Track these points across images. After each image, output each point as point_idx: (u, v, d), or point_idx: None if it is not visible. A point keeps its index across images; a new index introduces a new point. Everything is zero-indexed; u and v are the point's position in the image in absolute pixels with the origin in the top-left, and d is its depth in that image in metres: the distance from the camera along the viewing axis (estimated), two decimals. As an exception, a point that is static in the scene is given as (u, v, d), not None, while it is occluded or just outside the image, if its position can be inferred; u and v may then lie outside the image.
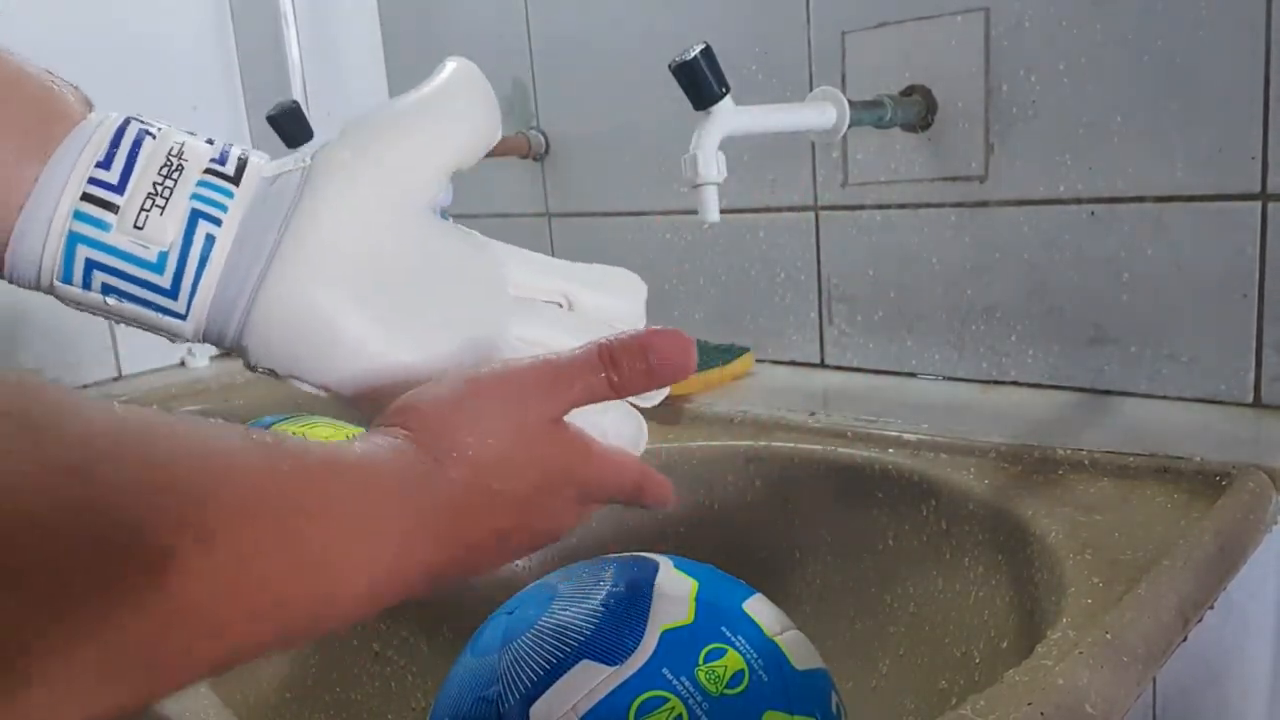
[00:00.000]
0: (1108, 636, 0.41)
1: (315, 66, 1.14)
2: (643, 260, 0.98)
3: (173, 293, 0.31)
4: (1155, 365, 0.69)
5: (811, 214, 0.85)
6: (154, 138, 0.32)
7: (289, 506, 0.26)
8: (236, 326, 0.32)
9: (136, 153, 0.31)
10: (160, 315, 0.32)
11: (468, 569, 0.34)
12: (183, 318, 0.32)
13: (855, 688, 0.62)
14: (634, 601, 0.44)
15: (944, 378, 0.80)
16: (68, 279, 0.31)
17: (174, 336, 0.33)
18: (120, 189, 0.30)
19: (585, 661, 0.42)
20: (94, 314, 0.32)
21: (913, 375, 0.82)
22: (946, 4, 0.73)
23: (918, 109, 0.75)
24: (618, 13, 0.95)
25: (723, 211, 0.62)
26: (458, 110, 0.36)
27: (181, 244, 0.31)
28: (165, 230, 0.31)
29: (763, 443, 0.70)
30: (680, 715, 0.40)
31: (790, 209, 0.87)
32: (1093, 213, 0.70)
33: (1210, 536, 0.49)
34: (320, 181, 0.33)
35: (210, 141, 0.34)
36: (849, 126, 0.68)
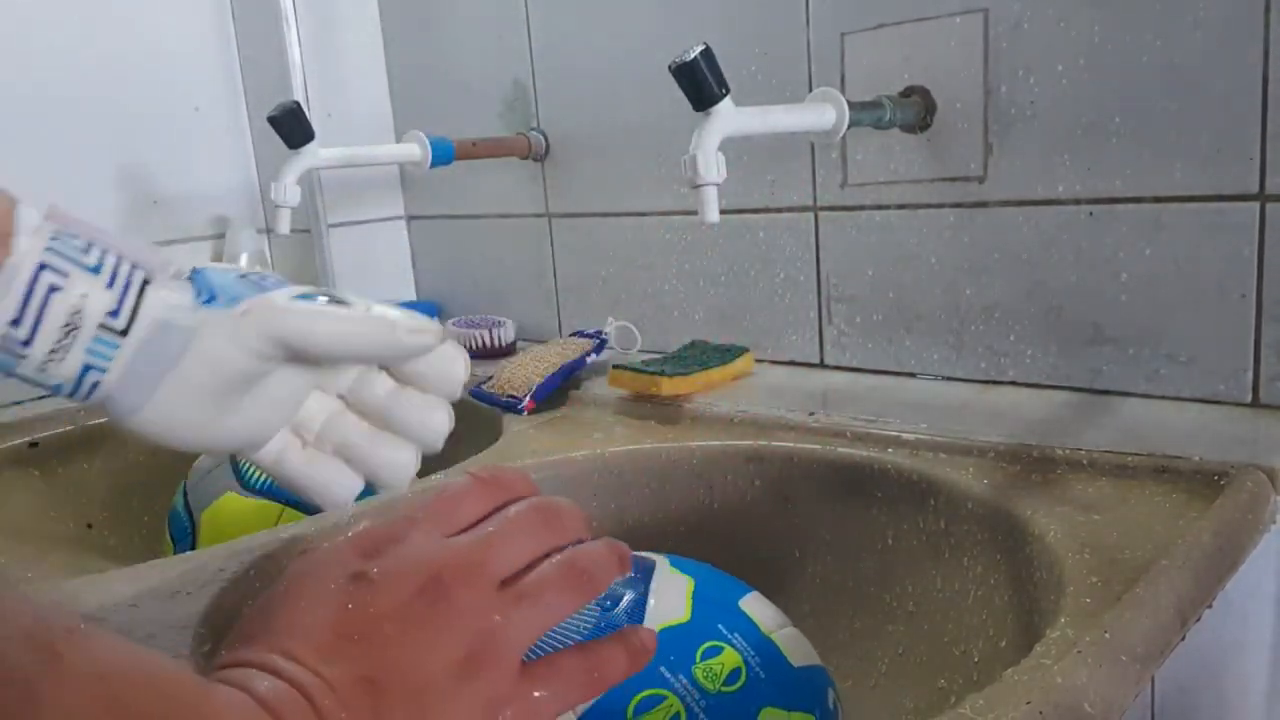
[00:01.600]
0: (1106, 636, 0.41)
1: (315, 67, 1.14)
2: (643, 260, 0.98)
3: (74, 398, 0.40)
4: (1154, 365, 0.69)
5: (811, 214, 0.86)
6: (61, 290, 0.38)
7: None
8: (116, 420, 0.42)
9: (44, 313, 0.38)
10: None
11: None
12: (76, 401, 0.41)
13: (854, 686, 0.62)
14: (631, 600, 0.44)
15: (943, 378, 0.80)
16: None
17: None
18: (29, 344, 0.38)
19: (584, 660, 0.42)
20: None
21: (912, 375, 0.82)
22: (945, 5, 0.74)
23: (917, 110, 0.75)
24: (618, 13, 0.95)
25: (723, 212, 0.62)
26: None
27: (74, 383, 0.40)
28: (62, 372, 0.39)
29: (762, 443, 0.70)
30: (678, 713, 0.41)
31: (790, 209, 0.87)
32: (1091, 213, 0.70)
33: (1209, 536, 0.49)
34: (193, 363, 0.41)
35: (113, 279, 0.40)
36: (848, 127, 0.69)
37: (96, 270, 0.40)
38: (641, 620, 0.43)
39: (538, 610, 0.38)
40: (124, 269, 0.40)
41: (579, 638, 0.42)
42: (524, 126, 1.06)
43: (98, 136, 1.06)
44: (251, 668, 0.34)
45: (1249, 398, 0.66)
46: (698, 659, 0.42)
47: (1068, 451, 0.60)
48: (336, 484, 0.45)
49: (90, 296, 0.39)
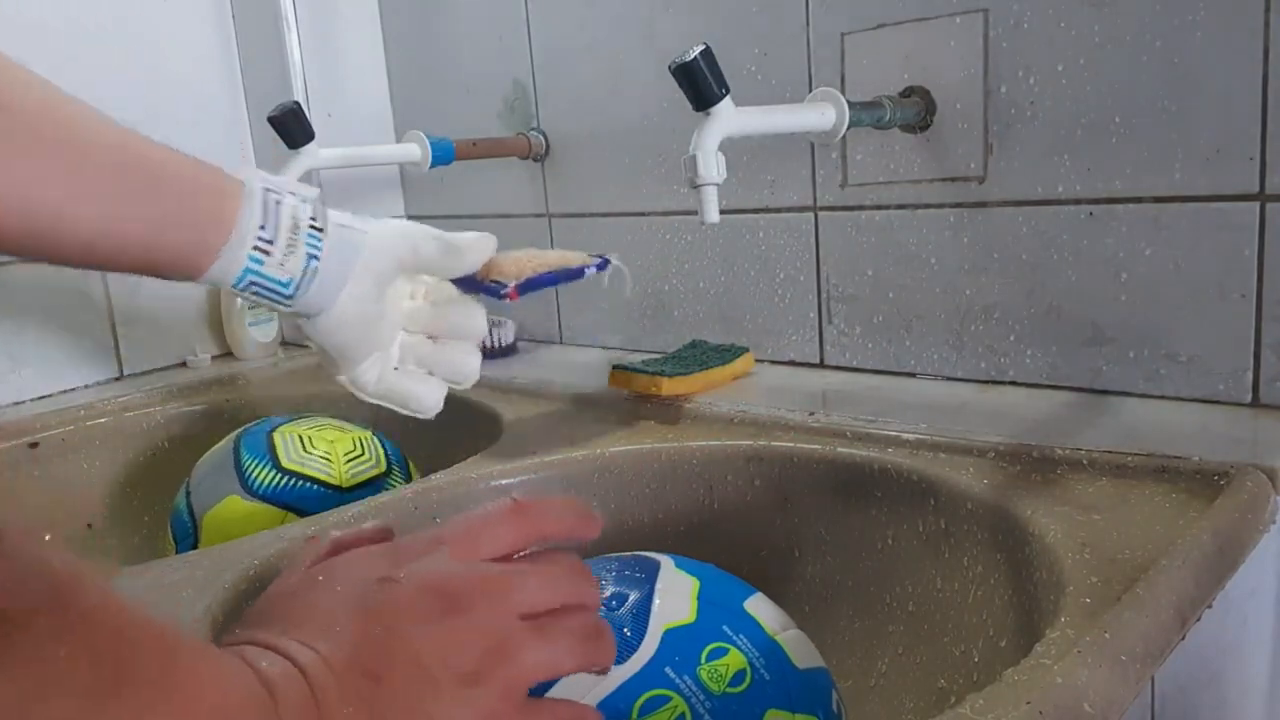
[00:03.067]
0: (1106, 636, 0.41)
1: (315, 67, 1.14)
2: (643, 260, 0.99)
3: (291, 297, 0.54)
4: (1153, 365, 0.70)
5: (811, 214, 0.86)
6: (282, 203, 0.53)
7: None
8: (316, 315, 0.56)
9: (278, 218, 0.53)
10: (276, 303, 0.54)
11: None
12: (289, 305, 0.54)
13: (854, 686, 0.62)
14: (636, 600, 0.45)
15: (943, 377, 0.80)
16: (236, 285, 0.53)
17: (280, 312, 0.56)
18: (274, 241, 0.53)
19: (587, 660, 0.42)
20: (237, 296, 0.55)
21: (912, 375, 0.82)
22: (945, 5, 0.74)
23: (917, 110, 0.75)
24: (618, 13, 0.95)
25: (722, 212, 0.62)
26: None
27: (301, 273, 0.53)
28: (295, 264, 0.53)
29: (762, 442, 0.70)
30: (683, 714, 0.41)
31: (789, 209, 0.87)
32: (1091, 213, 0.70)
33: (1209, 536, 0.49)
34: (369, 255, 0.56)
35: (305, 199, 0.55)
36: (848, 127, 0.69)
37: (295, 194, 0.55)
38: (646, 620, 0.43)
39: (553, 651, 0.38)
40: (307, 193, 0.56)
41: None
42: (524, 126, 1.06)
43: (97, 136, 1.06)
44: (258, 645, 0.34)
45: (1249, 398, 0.66)
46: (703, 660, 0.42)
47: (1068, 451, 0.60)
48: (427, 391, 0.60)
49: (299, 208, 0.54)
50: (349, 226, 0.56)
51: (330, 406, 1.00)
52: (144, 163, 0.51)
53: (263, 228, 0.52)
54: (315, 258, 0.54)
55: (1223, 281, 0.66)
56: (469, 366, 0.62)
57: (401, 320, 0.61)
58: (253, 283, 0.53)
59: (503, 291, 0.77)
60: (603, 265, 0.85)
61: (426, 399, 0.60)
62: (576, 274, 0.83)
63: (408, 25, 1.18)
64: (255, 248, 0.52)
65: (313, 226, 0.54)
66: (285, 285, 0.53)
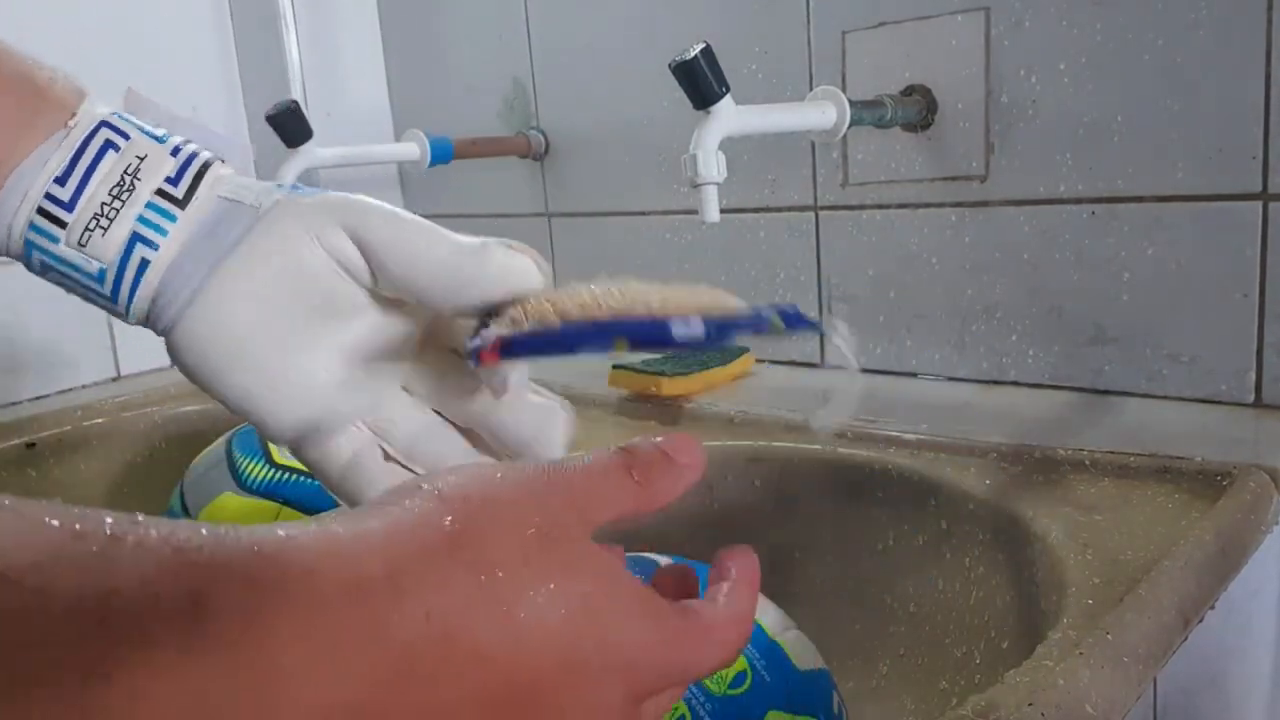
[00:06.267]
0: (1108, 637, 0.41)
1: (315, 66, 1.14)
2: (643, 260, 0.98)
3: (113, 299, 0.35)
4: (1156, 365, 0.69)
5: (811, 214, 0.85)
6: (117, 151, 0.35)
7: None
8: (165, 329, 0.35)
9: (94, 168, 0.34)
10: (98, 304, 0.36)
11: None
12: (124, 316, 0.36)
13: (855, 688, 0.62)
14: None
15: (944, 378, 0.80)
16: (28, 267, 0.35)
17: (113, 315, 0.36)
18: (70, 207, 0.34)
19: (586, 662, 0.41)
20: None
21: (913, 375, 0.82)
22: (946, 4, 0.73)
23: (918, 109, 0.75)
24: (618, 13, 0.95)
25: (723, 211, 0.62)
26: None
27: (118, 264, 0.34)
28: (106, 250, 0.34)
29: (763, 443, 0.70)
30: (684, 715, 0.40)
31: (790, 209, 0.87)
32: (1093, 212, 0.70)
33: (1211, 536, 0.49)
34: (259, 241, 0.35)
35: (177, 150, 0.36)
36: (849, 126, 0.68)
37: (162, 141, 0.36)
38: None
39: None
40: (193, 148, 0.37)
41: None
42: (524, 126, 1.06)
43: (96, 136, 1.06)
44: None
45: (1251, 398, 0.66)
46: (700, 661, 0.42)
47: (1069, 452, 0.60)
48: None
49: (150, 158, 0.35)
50: (240, 201, 0.36)
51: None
52: None
53: (60, 180, 0.34)
54: (145, 241, 0.34)
55: (1225, 281, 0.65)
56: None
57: (394, 374, 0.38)
58: (44, 264, 0.35)
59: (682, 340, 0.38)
60: (797, 320, 0.40)
61: None
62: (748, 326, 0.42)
63: (407, 25, 1.18)
64: (42, 210, 0.34)
65: (164, 195, 0.35)
66: (95, 278, 0.35)
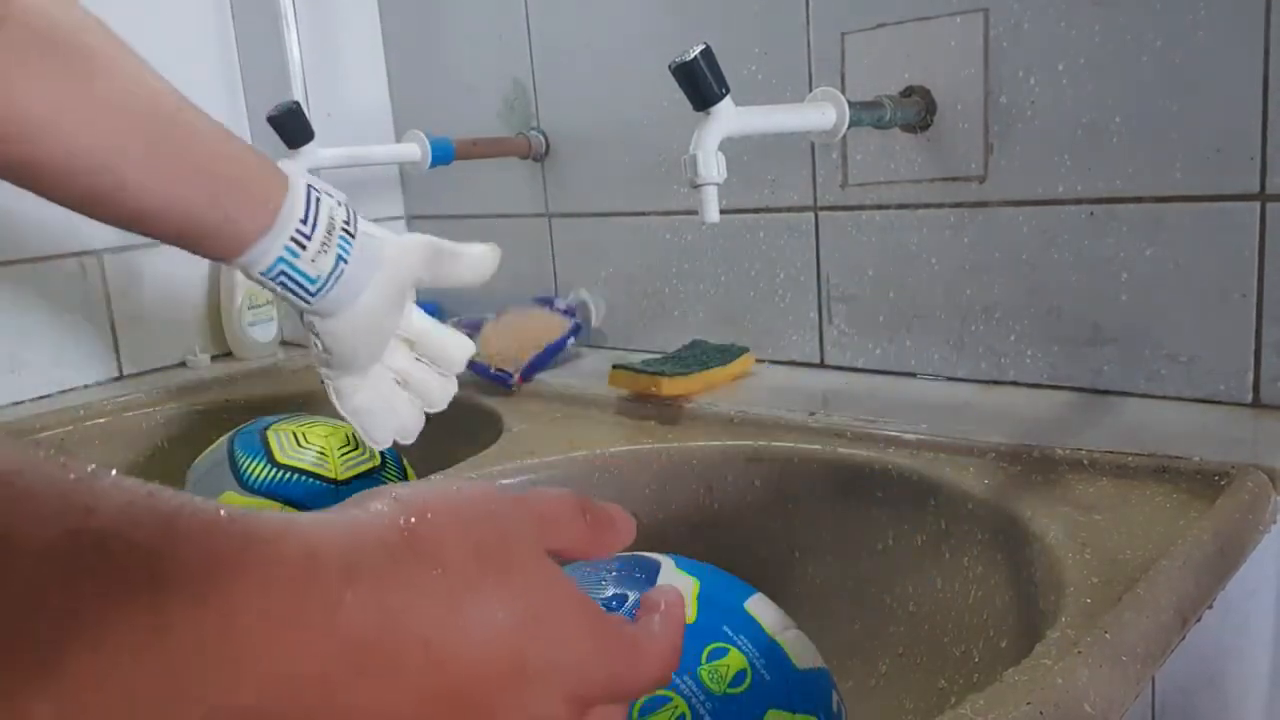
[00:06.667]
0: (1107, 636, 0.41)
1: (315, 66, 1.14)
2: (643, 260, 0.98)
3: (315, 294, 0.57)
4: (1154, 365, 0.70)
5: (811, 214, 0.86)
6: (319, 203, 0.57)
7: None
8: (330, 316, 0.59)
9: (317, 215, 0.56)
10: (298, 298, 0.57)
11: None
12: (310, 303, 0.58)
13: (855, 687, 0.62)
14: (636, 601, 0.44)
15: (943, 378, 0.80)
16: (266, 273, 0.56)
17: (298, 308, 0.59)
18: (310, 237, 0.56)
19: (587, 661, 0.42)
20: (262, 288, 0.58)
21: (912, 375, 0.82)
22: (946, 5, 0.74)
23: (917, 109, 0.75)
24: (618, 13, 0.95)
25: (723, 211, 0.62)
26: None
27: (329, 273, 0.57)
28: (325, 263, 0.57)
29: (763, 443, 0.70)
30: (683, 714, 0.41)
31: (790, 209, 0.87)
32: (1092, 213, 0.70)
33: (1209, 536, 0.49)
34: (389, 268, 0.61)
35: (339, 202, 0.59)
36: (849, 127, 0.69)
37: (331, 195, 0.58)
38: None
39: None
40: (342, 197, 0.59)
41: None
42: (524, 126, 1.06)
43: (97, 136, 1.06)
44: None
45: (1249, 398, 0.66)
46: (703, 660, 0.42)
47: (1068, 452, 0.60)
48: (402, 419, 0.66)
49: (336, 209, 0.58)
50: (372, 236, 0.59)
51: (328, 406, 1.00)
52: (207, 141, 0.53)
53: (303, 221, 0.55)
54: (344, 260, 0.57)
55: (1223, 281, 0.66)
56: (445, 393, 0.67)
57: (399, 334, 0.64)
58: (282, 273, 0.56)
59: (510, 381, 0.91)
60: (576, 331, 0.98)
61: (401, 425, 0.66)
62: (560, 345, 0.95)
63: (407, 25, 1.18)
64: (293, 239, 0.55)
65: (345, 230, 0.57)
66: (312, 282, 0.56)
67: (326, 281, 0.56)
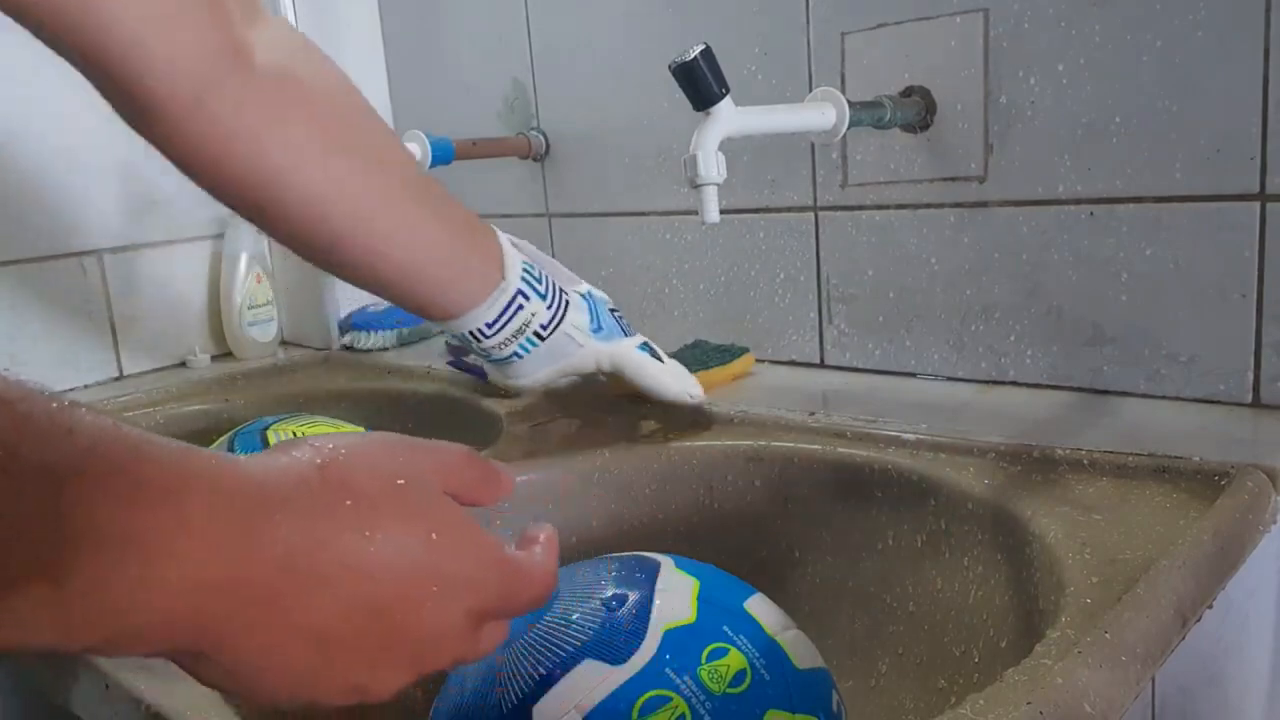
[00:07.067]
0: (1106, 636, 0.41)
1: (315, 67, 1.14)
2: (643, 260, 0.98)
3: (491, 360, 0.67)
4: (1154, 365, 0.70)
5: (811, 214, 0.86)
6: (523, 308, 0.64)
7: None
8: (506, 370, 0.68)
9: (510, 320, 0.63)
10: (479, 355, 0.67)
11: (305, 670, 0.30)
12: (486, 360, 0.68)
13: (854, 687, 0.62)
14: (636, 601, 0.44)
15: (943, 378, 0.80)
16: (453, 336, 0.66)
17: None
18: (490, 337, 0.64)
19: (588, 660, 0.42)
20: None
21: (912, 375, 0.82)
22: (946, 4, 0.74)
23: (917, 110, 0.75)
24: (618, 13, 0.95)
25: (723, 211, 0.62)
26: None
27: (501, 358, 0.66)
28: (504, 351, 0.65)
29: (763, 443, 0.70)
30: (683, 714, 0.41)
31: (790, 209, 0.87)
32: (1091, 213, 0.70)
33: (1209, 536, 0.49)
34: (574, 362, 0.69)
35: (552, 304, 0.66)
36: (848, 127, 0.69)
37: (543, 296, 0.65)
38: (647, 620, 0.43)
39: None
40: (557, 293, 0.66)
41: (584, 638, 0.42)
42: (524, 126, 1.06)
43: (97, 136, 1.06)
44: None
45: (1249, 398, 0.66)
46: (703, 660, 0.42)
47: (1068, 452, 0.60)
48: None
49: (537, 315, 0.65)
50: (570, 339, 0.66)
51: (329, 406, 1.00)
52: (443, 205, 0.62)
53: (490, 324, 0.63)
54: (520, 356, 0.66)
55: (1223, 281, 0.66)
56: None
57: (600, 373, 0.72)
58: (468, 338, 0.65)
59: (487, 377, 0.89)
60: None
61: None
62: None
63: (407, 25, 1.18)
64: (472, 333, 0.64)
65: (537, 334, 0.65)
66: (488, 354, 0.66)
67: (504, 359, 0.66)
